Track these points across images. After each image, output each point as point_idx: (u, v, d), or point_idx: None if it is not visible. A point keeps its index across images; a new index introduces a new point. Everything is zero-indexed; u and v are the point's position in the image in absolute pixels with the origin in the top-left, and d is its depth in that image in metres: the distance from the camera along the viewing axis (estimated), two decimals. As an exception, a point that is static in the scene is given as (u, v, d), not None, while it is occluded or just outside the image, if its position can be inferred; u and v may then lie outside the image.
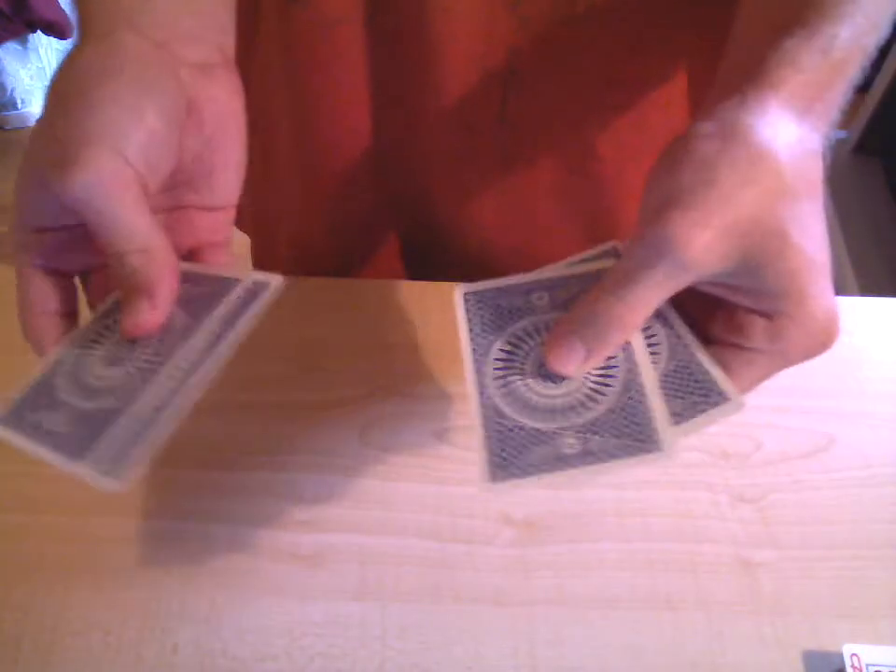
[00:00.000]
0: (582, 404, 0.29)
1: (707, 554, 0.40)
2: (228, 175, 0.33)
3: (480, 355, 0.31)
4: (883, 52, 1.77)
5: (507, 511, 0.42)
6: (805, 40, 0.29)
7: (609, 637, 0.38)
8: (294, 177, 0.54)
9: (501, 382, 0.30)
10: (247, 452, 0.44)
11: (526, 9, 0.42)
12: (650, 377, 0.29)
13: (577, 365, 0.28)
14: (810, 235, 0.27)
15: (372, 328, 0.49)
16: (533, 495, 0.42)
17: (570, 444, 0.27)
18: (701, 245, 0.25)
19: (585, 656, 0.37)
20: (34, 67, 1.95)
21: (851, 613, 0.38)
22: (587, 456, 0.27)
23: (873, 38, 0.31)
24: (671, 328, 0.30)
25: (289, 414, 0.45)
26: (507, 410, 0.29)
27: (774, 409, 0.46)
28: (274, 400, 0.46)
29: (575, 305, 0.28)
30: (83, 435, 0.28)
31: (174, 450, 0.43)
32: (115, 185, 0.28)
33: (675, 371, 0.29)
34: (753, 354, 0.29)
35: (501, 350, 0.31)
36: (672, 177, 0.26)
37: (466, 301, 0.33)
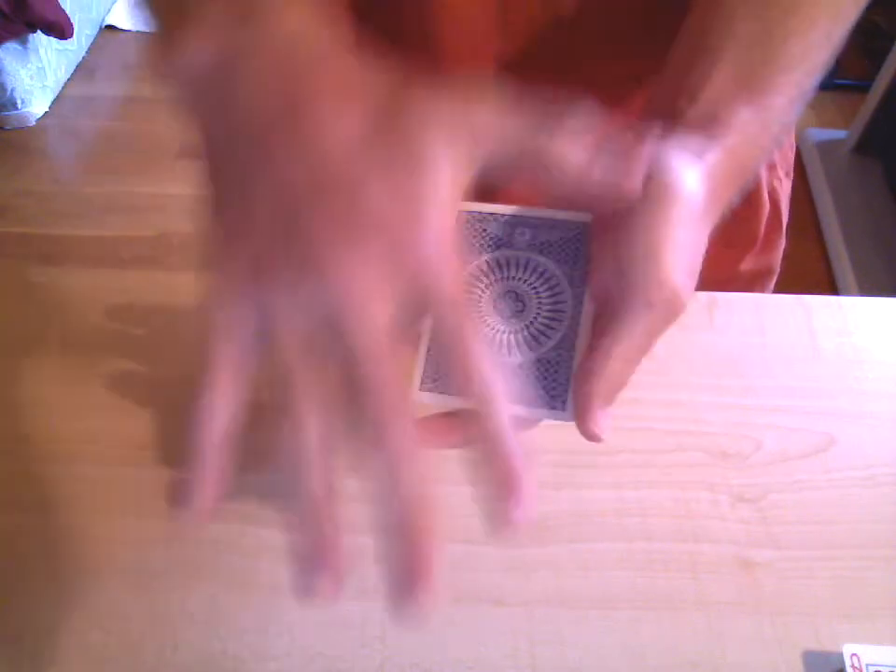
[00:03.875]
0: (519, 345, 0.30)
1: (707, 554, 0.40)
2: None
3: None
4: (883, 52, 1.78)
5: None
6: (755, 112, 0.30)
7: (609, 637, 0.38)
8: None
9: None
10: (247, 451, 0.44)
11: (513, 16, 0.42)
12: (583, 342, 0.30)
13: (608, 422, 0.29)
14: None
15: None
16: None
17: None
18: (689, 291, 0.28)
19: (585, 656, 0.37)
20: (34, 67, 1.95)
21: (851, 613, 0.38)
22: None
23: (796, 110, 0.33)
24: (576, 320, 0.30)
25: (289, 414, 0.45)
26: None
27: (774, 409, 0.46)
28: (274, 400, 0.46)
29: (592, 380, 0.28)
30: (532, 387, 0.29)
31: (174, 450, 0.44)
32: None
33: (547, 359, 0.30)
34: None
35: (470, 274, 0.32)
36: (637, 237, 0.28)
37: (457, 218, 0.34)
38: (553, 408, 0.29)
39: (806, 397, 0.47)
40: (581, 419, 0.28)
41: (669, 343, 0.49)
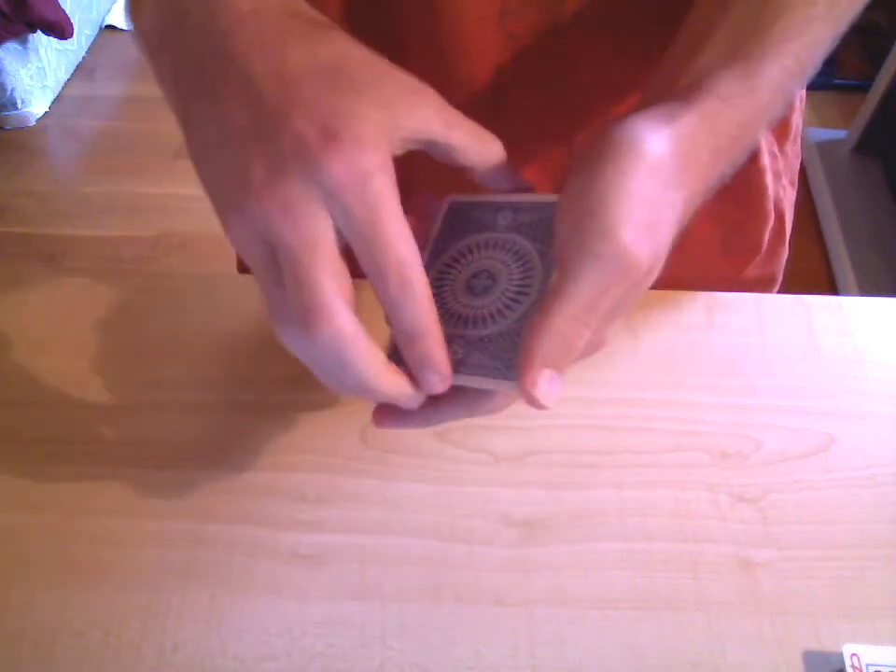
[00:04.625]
0: (483, 320, 0.30)
1: (707, 554, 0.40)
2: None
3: (433, 256, 0.34)
4: (883, 52, 1.78)
5: (507, 510, 0.42)
6: (741, 78, 0.30)
7: (609, 637, 0.38)
8: None
9: (436, 283, 0.32)
10: (247, 452, 0.44)
11: (513, 24, 0.42)
12: None
13: (560, 390, 0.28)
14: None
15: (373, 327, 0.49)
16: (533, 495, 0.42)
17: (455, 351, 0.29)
18: (643, 249, 0.27)
19: (585, 656, 0.37)
20: (34, 67, 1.95)
21: (851, 613, 0.38)
22: (462, 366, 0.29)
23: (797, 82, 0.32)
24: (543, 286, 0.30)
25: (289, 414, 0.45)
26: None
27: (774, 409, 0.46)
28: (275, 400, 0.46)
29: (534, 336, 0.28)
30: (491, 358, 0.29)
31: (174, 450, 0.44)
32: None
33: (509, 331, 0.30)
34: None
35: (451, 256, 0.33)
36: (600, 188, 0.28)
37: (448, 208, 0.35)
38: (508, 378, 0.29)
39: (806, 397, 0.47)
40: (520, 379, 0.27)
41: (669, 343, 0.49)
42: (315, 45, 0.29)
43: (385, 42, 0.44)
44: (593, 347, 0.30)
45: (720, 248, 0.54)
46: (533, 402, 0.27)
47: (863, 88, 1.83)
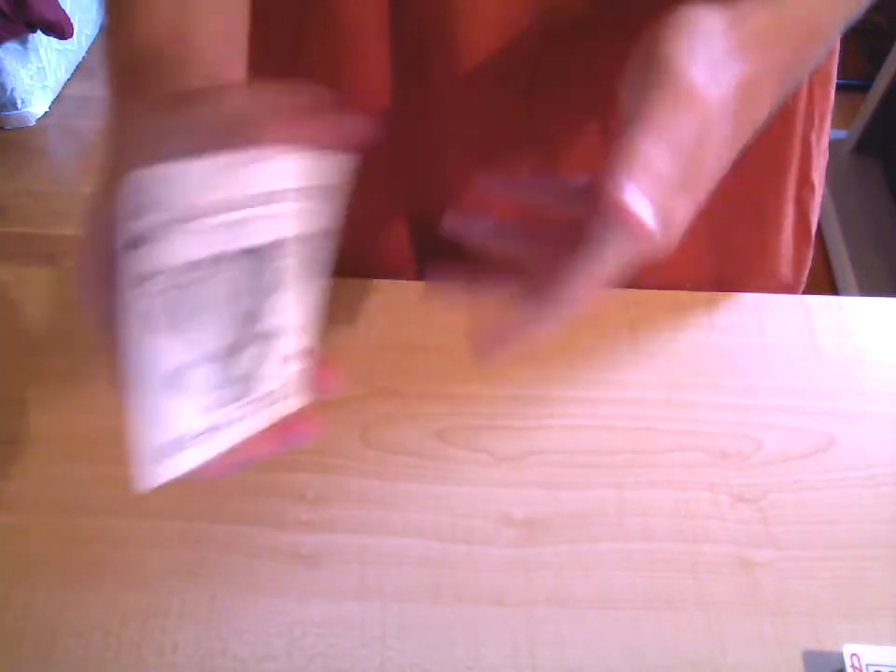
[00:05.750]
0: None
1: (707, 554, 0.40)
2: None
3: None
4: (883, 52, 1.77)
5: (507, 510, 0.42)
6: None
7: (609, 637, 0.38)
8: None
9: None
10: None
11: (551, 19, 0.42)
12: None
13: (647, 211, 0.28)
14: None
15: (373, 328, 0.49)
16: (533, 495, 0.42)
17: None
18: (706, 82, 0.28)
19: (585, 656, 0.37)
20: (34, 67, 1.94)
21: (851, 613, 0.38)
22: None
23: (825, 19, 0.33)
24: None
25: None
26: None
27: (774, 409, 0.46)
28: (274, 400, 0.46)
29: (615, 155, 0.27)
30: None
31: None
32: None
33: None
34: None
35: None
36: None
37: None
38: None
39: (806, 397, 0.47)
40: (604, 188, 0.27)
41: (669, 343, 0.49)
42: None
43: (424, 25, 0.44)
44: (663, 225, 0.29)
45: (758, 250, 0.54)
46: (619, 209, 0.26)
47: (863, 88, 1.83)
